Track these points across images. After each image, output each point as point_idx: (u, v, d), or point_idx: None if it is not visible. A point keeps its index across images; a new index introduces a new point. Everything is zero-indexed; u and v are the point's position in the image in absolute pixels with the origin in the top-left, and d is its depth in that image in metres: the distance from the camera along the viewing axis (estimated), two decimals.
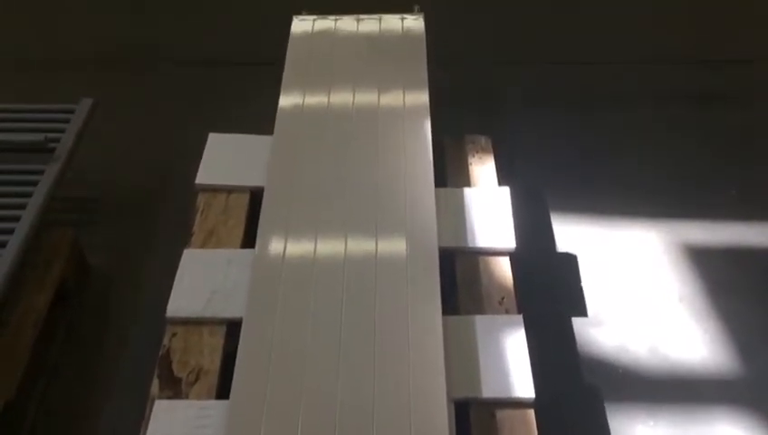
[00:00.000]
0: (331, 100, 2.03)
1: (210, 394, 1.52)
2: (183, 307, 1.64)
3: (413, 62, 2.13)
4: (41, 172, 1.97)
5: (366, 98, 2.03)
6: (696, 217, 2.28)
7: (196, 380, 1.54)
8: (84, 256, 2.08)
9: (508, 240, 1.80)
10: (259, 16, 3.03)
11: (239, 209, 1.88)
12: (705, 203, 2.32)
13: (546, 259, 2.17)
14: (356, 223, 1.72)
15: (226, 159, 1.99)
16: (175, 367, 1.56)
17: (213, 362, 1.57)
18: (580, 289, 2.09)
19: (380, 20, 2.27)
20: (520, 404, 1.52)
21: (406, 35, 2.23)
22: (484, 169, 2.04)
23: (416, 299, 1.57)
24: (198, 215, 1.87)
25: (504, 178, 2.02)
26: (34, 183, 1.94)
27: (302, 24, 2.27)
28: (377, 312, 1.55)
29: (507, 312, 1.68)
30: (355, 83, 2.07)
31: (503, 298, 1.71)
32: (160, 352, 1.58)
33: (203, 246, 1.80)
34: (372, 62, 2.14)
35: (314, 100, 2.04)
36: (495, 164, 2.05)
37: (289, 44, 2.20)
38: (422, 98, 2.02)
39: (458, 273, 1.77)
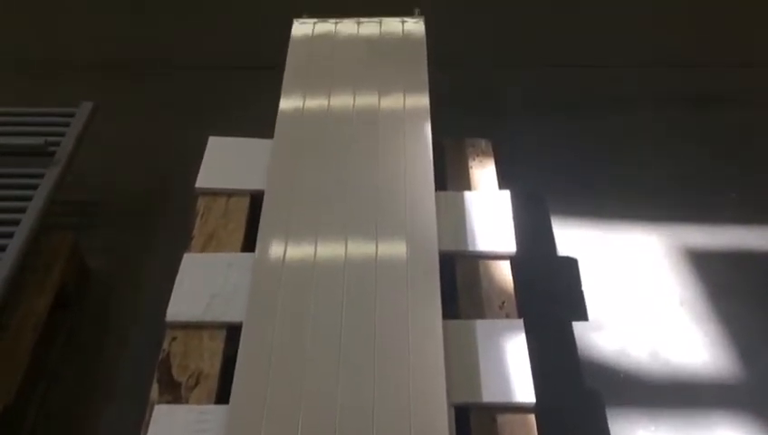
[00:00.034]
0: (331, 103, 2.03)
1: (210, 399, 1.51)
2: (183, 311, 1.64)
3: (413, 66, 2.13)
4: (41, 176, 1.97)
5: (366, 101, 2.03)
6: (697, 221, 2.28)
7: (196, 384, 1.54)
8: (84, 259, 2.08)
9: (509, 244, 1.80)
10: (259, 20, 3.03)
11: (239, 213, 1.88)
12: (705, 206, 2.32)
13: (547, 263, 2.16)
14: (356, 226, 1.72)
15: (227, 162, 1.98)
16: (175, 371, 1.56)
17: (213, 367, 1.57)
18: (581, 293, 2.08)
19: (381, 23, 2.27)
20: (521, 409, 1.51)
21: (406, 38, 2.23)
22: (484, 173, 2.03)
23: (416, 302, 1.57)
24: (198, 218, 1.87)
25: (504, 181, 2.02)
26: (34, 187, 1.94)
27: (302, 28, 2.27)
28: (377, 315, 1.55)
29: (508, 316, 1.68)
30: (355, 86, 2.07)
31: (503, 302, 1.71)
32: (160, 357, 1.58)
33: (203, 249, 1.79)
34: (373, 65, 2.14)
35: (315, 103, 2.04)
36: (496, 167, 2.05)
37: (289, 47, 2.20)
38: (422, 101, 2.02)
39: (459, 277, 1.77)
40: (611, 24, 3.04)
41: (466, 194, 1.92)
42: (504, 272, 1.77)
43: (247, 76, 2.75)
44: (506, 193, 1.93)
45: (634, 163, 2.47)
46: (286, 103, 2.03)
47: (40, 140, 2.05)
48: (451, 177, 2.04)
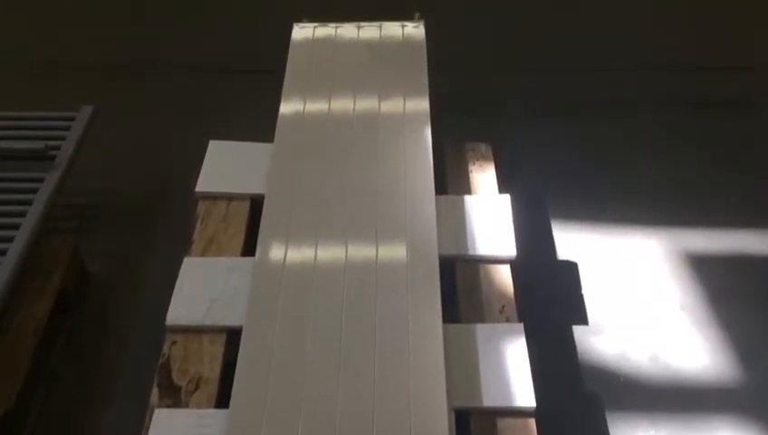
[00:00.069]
0: (331, 107, 2.04)
1: (210, 403, 1.51)
2: (183, 315, 1.64)
3: (413, 70, 2.13)
4: (41, 180, 1.97)
5: (366, 105, 2.03)
6: (697, 224, 2.28)
7: (196, 388, 1.54)
8: (84, 263, 2.08)
9: (509, 248, 1.80)
10: (260, 24, 3.03)
11: (239, 217, 1.88)
12: (705, 210, 2.32)
13: (547, 267, 2.16)
14: (356, 230, 1.72)
15: (227, 166, 1.98)
16: (174, 375, 1.56)
17: (213, 371, 1.57)
18: (581, 297, 2.08)
19: (381, 27, 2.27)
20: (521, 413, 1.51)
21: (406, 42, 2.23)
22: (484, 177, 2.04)
23: (416, 306, 1.57)
24: (198, 223, 1.87)
25: (504, 185, 2.02)
26: (34, 191, 1.94)
27: (302, 32, 2.28)
28: (377, 319, 1.55)
29: (508, 320, 1.68)
30: (356, 90, 2.07)
31: (503, 306, 1.71)
32: (160, 361, 1.58)
33: (203, 254, 1.79)
34: (373, 69, 2.14)
35: (315, 107, 2.04)
36: (496, 171, 2.05)
37: (290, 51, 2.21)
38: (423, 105, 2.02)
39: (459, 281, 1.77)
40: (611, 26, 3.04)
41: (466, 198, 1.92)
42: (504, 276, 1.77)
43: (248, 80, 2.75)
44: (506, 197, 1.93)
45: (634, 167, 2.47)
46: (287, 107, 2.04)
47: (40, 145, 2.05)
48: (451, 181, 2.04)
